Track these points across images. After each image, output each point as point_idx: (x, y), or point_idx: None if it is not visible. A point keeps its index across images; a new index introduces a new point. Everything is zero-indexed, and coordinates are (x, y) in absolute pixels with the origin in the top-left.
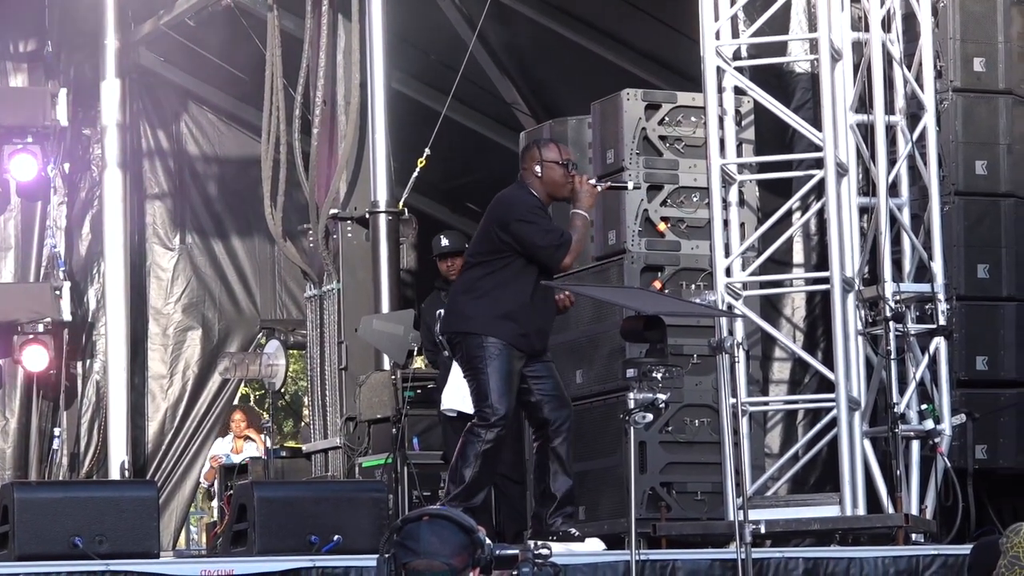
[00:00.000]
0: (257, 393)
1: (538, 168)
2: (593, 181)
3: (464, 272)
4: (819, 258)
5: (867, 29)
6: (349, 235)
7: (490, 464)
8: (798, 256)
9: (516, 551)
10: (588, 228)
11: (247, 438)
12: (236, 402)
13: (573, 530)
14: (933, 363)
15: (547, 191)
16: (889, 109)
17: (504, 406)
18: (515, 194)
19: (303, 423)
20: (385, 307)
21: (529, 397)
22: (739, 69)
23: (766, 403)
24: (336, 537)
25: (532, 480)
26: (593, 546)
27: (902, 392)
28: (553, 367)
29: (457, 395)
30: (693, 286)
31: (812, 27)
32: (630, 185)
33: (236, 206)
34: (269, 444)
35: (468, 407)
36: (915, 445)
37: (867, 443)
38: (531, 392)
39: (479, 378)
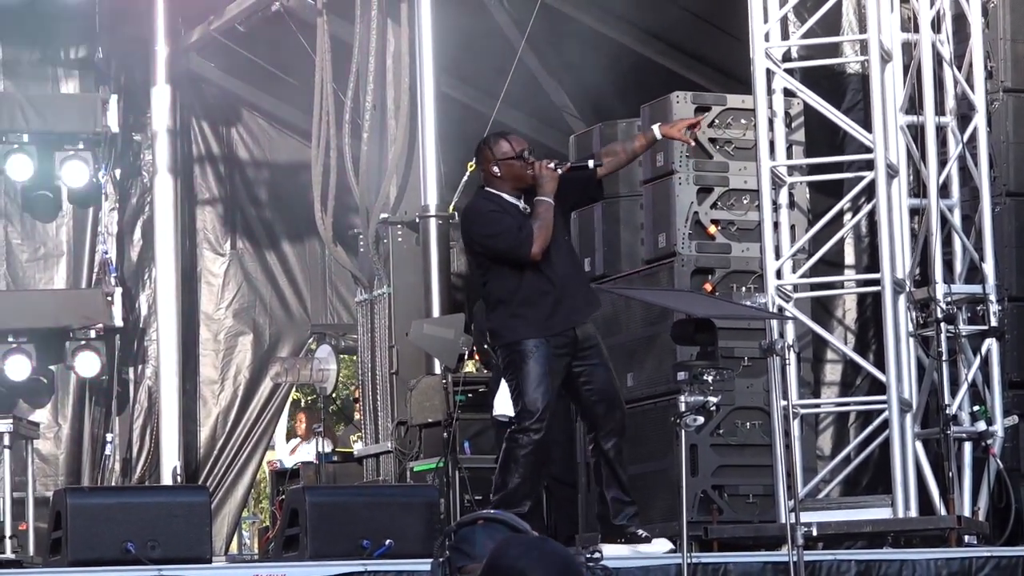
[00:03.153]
0: (308, 398)
1: (495, 168)
2: (552, 165)
3: (481, 290)
4: (870, 260)
5: (917, 30)
6: (399, 239)
7: (534, 469)
8: (849, 258)
9: None
10: (551, 212)
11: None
12: (287, 407)
13: (641, 531)
14: (985, 364)
15: (510, 186)
16: (939, 110)
17: (539, 408)
18: (473, 206)
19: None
20: (436, 311)
21: (580, 399)
22: (789, 71)
23: (817, 405)
24: (388, 541)
25: (584, 483)
26: (660, 546)
27: (954, 394)
28: (608, 367)
29: (508, 401)
30: (744, 288)
31: (862, 28)
32: (590, 164)
33: (286, 211)
34: (321, 448)
35: None
36: (967, 447)
37: (919, 445)
38: (581, 394)
39: (515, 384)
